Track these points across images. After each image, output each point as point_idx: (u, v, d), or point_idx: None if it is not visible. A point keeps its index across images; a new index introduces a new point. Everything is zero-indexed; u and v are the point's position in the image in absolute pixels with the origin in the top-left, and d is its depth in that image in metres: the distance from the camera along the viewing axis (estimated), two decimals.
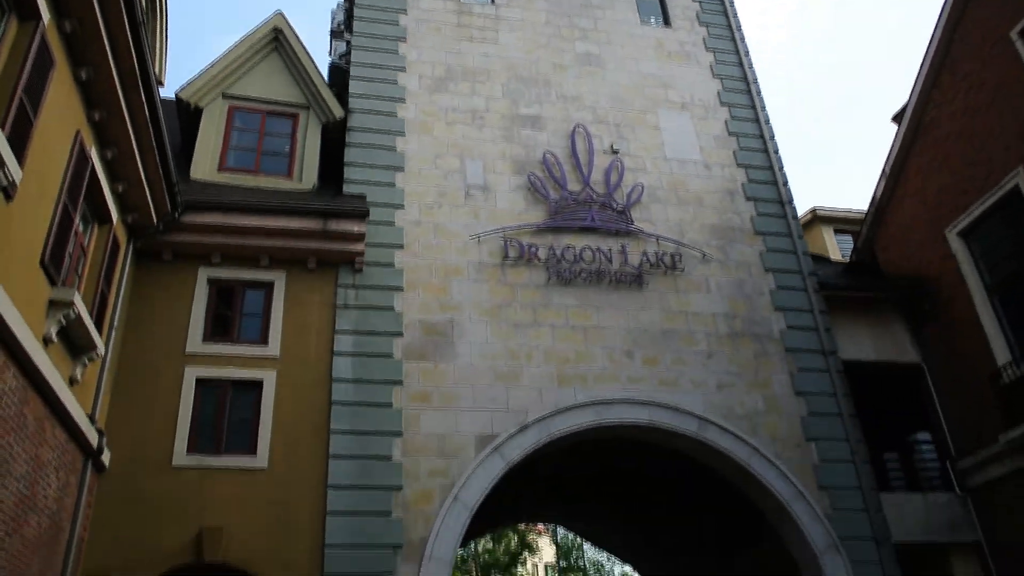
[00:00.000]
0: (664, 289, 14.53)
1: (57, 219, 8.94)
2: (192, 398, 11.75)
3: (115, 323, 11.20)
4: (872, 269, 17.43)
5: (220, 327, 12.52)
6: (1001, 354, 14.51)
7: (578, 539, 52.99)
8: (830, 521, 13.18)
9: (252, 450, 11.63)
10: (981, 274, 15.14)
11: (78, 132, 9.44)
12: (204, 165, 13.82)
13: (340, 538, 11.12)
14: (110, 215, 10.85)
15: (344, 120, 14.69)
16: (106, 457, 10.80)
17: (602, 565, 58.43)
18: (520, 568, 53.94)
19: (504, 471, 12.19)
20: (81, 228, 10.20)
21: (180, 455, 11.36)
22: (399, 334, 12.82)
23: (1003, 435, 14.03)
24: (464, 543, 21.17)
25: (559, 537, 56.83)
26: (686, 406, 13.36)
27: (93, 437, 10.27)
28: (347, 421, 11.88)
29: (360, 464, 11.61)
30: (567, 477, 18.21)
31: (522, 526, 51.98)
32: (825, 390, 14.35)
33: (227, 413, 11.88)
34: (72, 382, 9.87)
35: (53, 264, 8.90)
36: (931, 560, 14.65)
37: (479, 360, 12.93)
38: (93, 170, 9.96)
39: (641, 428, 13.23)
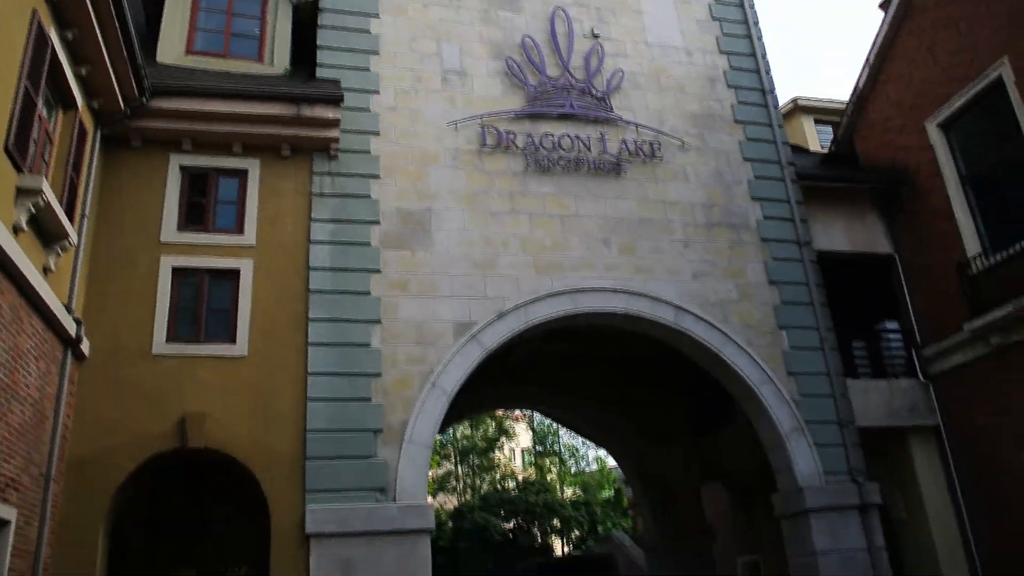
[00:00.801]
0: (642, 178, 14.48)
1: (19, 103, 8.66)
2: (169, 287, 11.73)
3: (86, 212, 11.03)
4: (850, 160, 17.42)
5: (194, 216, 12.37)
6: (971, 245, 14.74)
7: (554, 425, 54.56)
8: (797, 405, 13.62)
9: (232, 338, 11.71)
10: (958, 166, 15.19)
11: (35, 12, 9.04)
12: (171, 48, 13.35)
13: (321, 423, 11.37)
14: (75, 100, 10.52)
15: (315, 0, 14.15)
16: (85, 346, 10.83)
17: (576, 449, 60.43)
18: (497, 453, 55.69)
19: (482, 358, 12.40)
20: (45, 113, 9.90)
21: (160, 344, 11.43)
22: (376, 222, 12.75)
23: (967, 324, 14.40)
24: (443, 429, 21.69)
25: (535, 423, 58.49)
26: (661, 294, 13.54)
27: (71, 326, 10.27)
28: (325, 309, 11.95)
29: (339, 351, 11.75)
30: (544, 364, 18.57)
31: (500, 412, 53.38)
32: (798, 279, 14.57)
33: (205, 302, 11.90)
34: (46, 271, 9.79)
35: (18, 149, 8.67)
36: (891, 443, 15.27)
37: (456, 248, 12.95)
38: (54, 52, 9.58)
39: (617, 316, 13.43)
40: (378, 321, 12.07)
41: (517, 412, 55.56)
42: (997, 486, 14.11)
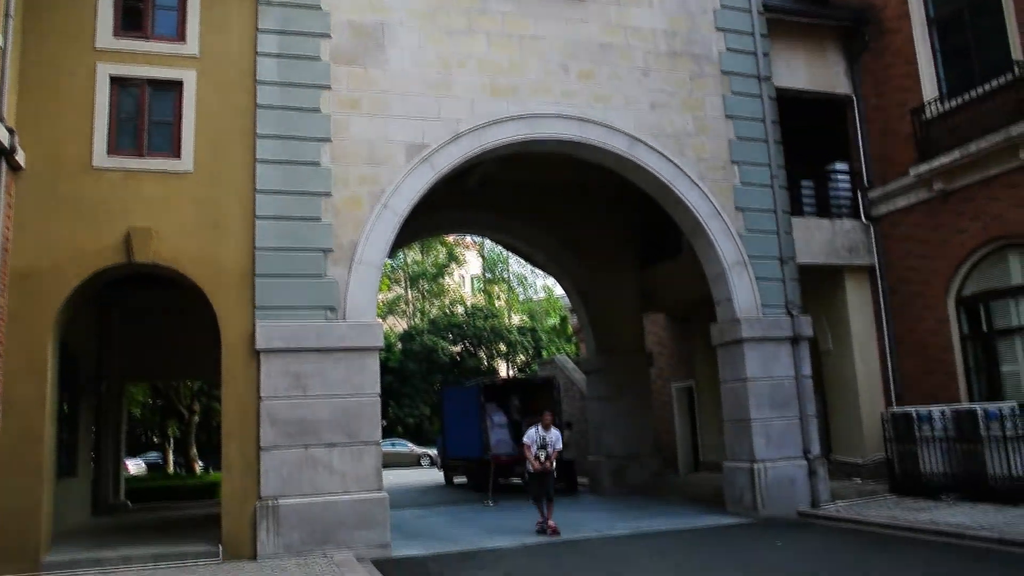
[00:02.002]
0: (606, 1, 13.94)
1: None
2: (108, 97, 11.20)
3: (10, 11, 10.28)
4: None
5: (131, 21, 11.63)
6: (929, 89, 14.74)
7: (504, 253, 55.23)
8: (742, 240, 13.93)
9: (176, 153, 11.39)
10: (926, 8, 14.91)
11: None
12: None
13: (270, 242, 11.32)
14: None
15: None
16: (21, 157, 10.41)
17: (525, 278, 61.58)
18: (447, 279, 56.51)
19: (434, 181, 12.30)
20: None
21: (101, 156, 11.06)
22: (326, 35, 12.17)
23: (914, 168, 14.65)
24: (393, 251, 21.82)
25: (486, 251, 59.09)
26: (617, 123, 13.40)
27: (3, 135, 9.82)
28: (274, 126, 11.60)
29: (288, 169, 11.53)
30: (497, 190, 18.54)
31: (451, 239, 53.71)
32: (755, 115, 14.51)
33: (147, 114, 11.44)
34: None
35: None
36: (828, 280, 15.86)
37: (411, 67, 12.51)
38: None
39: (572, 143, 13.31)
40: (328, 139, 11.79)
41: (468, 239, 55.98)
42: (919, 325, 14.88)
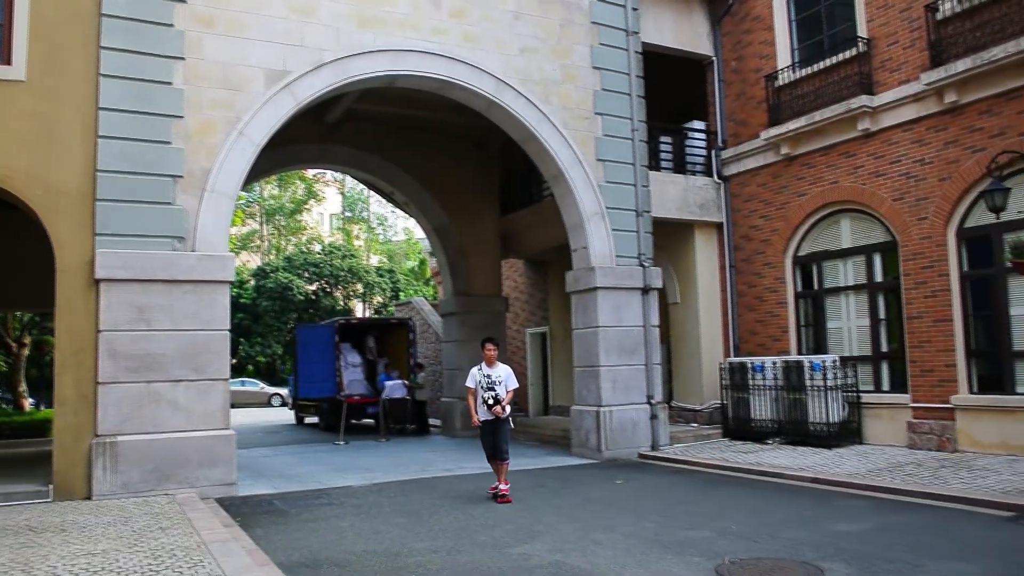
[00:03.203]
0: None
1: None
2: None
3: None
4: None
5: None
6: (783, 57, 15.44)
7: (364, 192, 54.21)
8: (601, 190, 14.25)
9: (6, 59, 10.37)
10: None
11: None
12: None
13: (114, 164, 10.57)
14: None
15: None
16: None
17: (385, 218, 60.79)
18: (305, 216, 54.94)
19: (295, 110, 11.82)
20: None
21: None
22: None
23: (765, 132, 15.40)
24: (248, 184, 20.94)
25: (346, 188, 57.76)
26: (486, 66, 13.29)
27: None
28: (120, 38, 10.75)
29: (135, 87, 10.74)
30: (361, 125, 18.10)
31: (310, 175, 52.10)
32: (621, 68, 14.74)
33: None
34: None
35: None
36: (679, 234, 16.54)
37: None
38: None
39: (440, 82, 13.10)
40: (181, 58, 11.05)
41: (328, 176, 54.47)
42: (760, 281, 15.82)
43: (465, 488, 11.04)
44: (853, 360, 13.83)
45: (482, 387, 10.00)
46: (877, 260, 13.83)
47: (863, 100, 13.44)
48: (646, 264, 14.54)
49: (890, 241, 13.46)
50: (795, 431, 13.81)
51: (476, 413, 10.13)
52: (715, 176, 16.70)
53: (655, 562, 6.61)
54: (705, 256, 16.52)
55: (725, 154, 16.60)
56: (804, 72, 14.91)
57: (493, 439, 10.02)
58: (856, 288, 14.16)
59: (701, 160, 16.99)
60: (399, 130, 18.60)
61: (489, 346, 10.22)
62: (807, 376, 13.62)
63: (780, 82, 15.35)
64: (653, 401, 14.22)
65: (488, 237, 19.92)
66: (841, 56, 14.14)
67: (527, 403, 22.48)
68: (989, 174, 9.92)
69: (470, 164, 19.73)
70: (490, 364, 10.14)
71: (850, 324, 14.26)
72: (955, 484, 9.58)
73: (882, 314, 13.72)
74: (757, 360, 14.68)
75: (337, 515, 9.19)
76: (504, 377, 10.08)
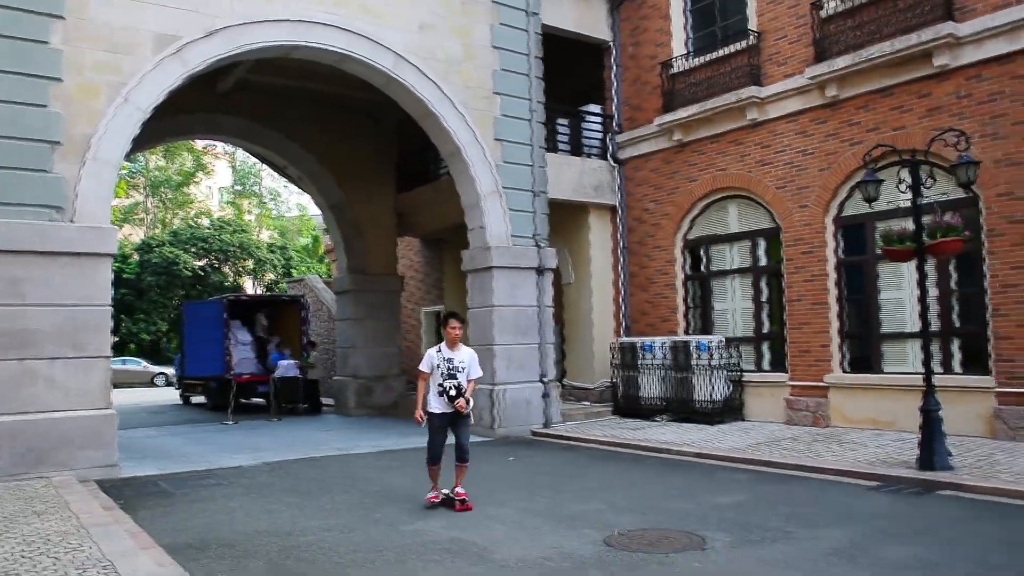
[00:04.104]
0: None
1: None
2: None
3: None
4: None
5: None
6: (678, 45, 15.84)
7: (257, 165, 52.63)
8: (498, 170, 14.32)
9: None
10: None
11: None
12: None
13: None
14: None
15: None
16: None
17: (278, 193, 59.21)
18: (193, 188, 52.93)
19: (185, 78, 11.35)
20: None
21: None
22: None
23: (659, 118, 15.79)
24: (133, 154, 20.03)
25: (237, 162, 55.95)
26: (386, 40, 13.10)
27: None
28: None
29: (7, 44, 10.08)
30: (254, 96, 17.58)
31: (199, 146, 50.17)
32: (521, 49, 14.80)
33: None
34: None
35: None
36: (574, 216, 16.80)
37: None
38: None
39: (338, 55, 12.84)
40: (60, 16, 10.40)
41: (218, 147, 52.64)
42: (651, 263, 16.27)
43: (359, 467, 10.98)
44: (737, 341, 14.42)
45: (441, 373, 7.94)
46: (761, 245, 14.44)
47: (752, 91, 13.96)
48: (542, 245, 14.71)
49: (774, 227, 14.07)
50: (682, 408, 14.33)
51: (426, 405, 8.07)
52: (610, 159, 17.03)
53: (548, 535, 6.77)
54: (599, 238, 16.85)
55: (620, 138, 16.94)
56: (698, 61, 15.35)
57: (453, 436, 8.02)
58: (741, 272, 14.75)
59: (597, 143, 17.29)
60: (295, 103, 18.15)
61: (453, 323, 8.07)
62: (694, 356, 14.13)
63: (675, 70, 15.75)
64: (546, 380, 14.46)
65: (384, 214, 19.73)
66: (733, 47, 14.62)
67: None
68: (864, 166, 10.47)
69: (367, 140, 19.46)
70: (452, 346, 8.08)
71: (735, 306, 14.85)
72: (827, 457, 10.17)
73: (765, 297, 14.35)
74: (647, 340, 15.12)
75: (226, 495, 8.99)
76: (468, 363, 8.10)
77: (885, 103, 12.37)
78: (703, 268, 15.52)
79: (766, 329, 14.32)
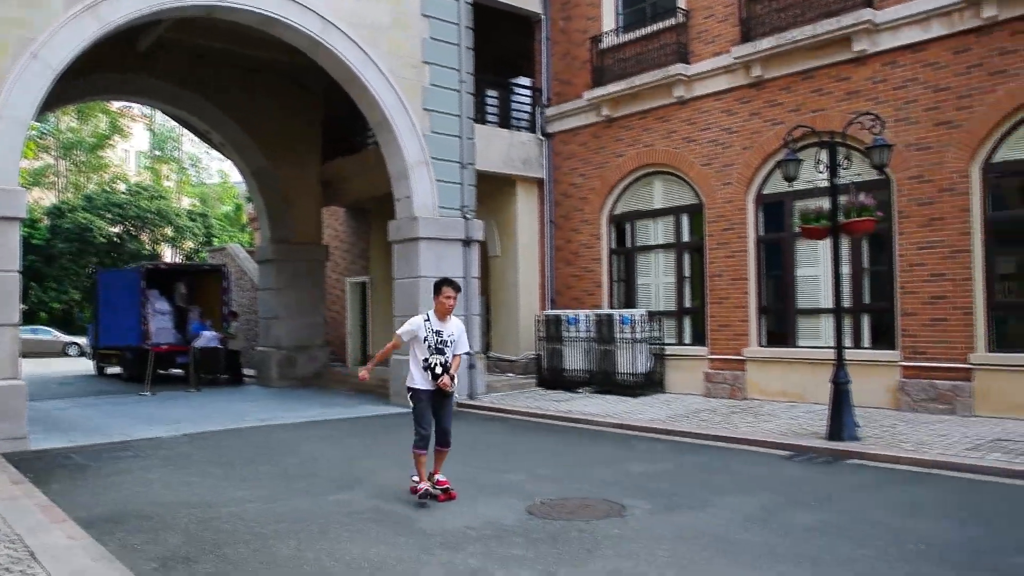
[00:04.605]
0: None
1: None
2: None
3: None
4: None
5: None
6: (608, 20, 15.90)
7: (177, 130, 50.97)
8: (426, 140, 14.20)
9: None
10: None
11: None
12: None
13: None
14: None
15: None
16: None
17: (199, 159, 57.54)
18: (108, 152, 50.95)
19: (100, 35, 10.87)
20: None
21: None
22: None
23: (587, 93, 15.87)
24: (43, 114, 19.15)
25: (156, 125, 54.08)
26: (312, 4, 12.78)
27: None
28: None
29: None
30: (175, 57, 16.98)
31: (115, 107, 48.26)
32: (451, 18, 14.64)
33: None
34: None
35: None
36: (502, 188, 16.81)
37: None
38: None
39: (261, 17, 12.46)
40: None
41: (136, 110, 50.78)
42: (577, 237, 16.42)
43: (282, 438, 10.86)
44: (660, 315, 14.71)
45: (428, 347, 7.03)
46: (685, 221, 14.71)
47: (679, 68, 14.13)
48: (469, 216, 14.69)
49: (697, 204, 14.34)
50: (605, 381, 14.57)
51: (412, 379, 7.14)
52: (539, 133, 17.06)
53: (472, 505, 6.83)
54: (526, 211, 16.91)
55: (549, 112, 16.97)
56: (627, 37, 15.45)
57: (438, 415, 7.22)
58: (665, 247, 15.02)
59: (526, 116, 17.28)
60: (218, 65, 17.60)
61: (448, 291, 7.13)
62: (617, 329, 14.36)
63: (604, 45, 15.82)
64: (471, 351, 14.43)
65: (309, 183, 19.38)
66: (662, 24, 14.76)
67: (345, 352, 22.27)
68: (785, 146, 10.76)
69: (293, 107, 19.02)
70: (443, 317, 7.15)
71: (658, 281, 15.13)
72: (743, 428, 10.50)
73: (687, 272, 14.65)
74: (571, 313, 15.30)
75: (143, 468, 8.79)
76: (457, 336, 7.21)
77: (806, 85, 12.69)
78: (628, 243, 15.74)
79: (688, 304, 14.64)
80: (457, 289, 7.24)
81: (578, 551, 5.44)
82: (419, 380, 7.09)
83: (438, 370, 7.01)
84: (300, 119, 19.17)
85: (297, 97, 19.05)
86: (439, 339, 7.05)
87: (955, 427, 9.95)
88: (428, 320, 7.13)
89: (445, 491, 7.11)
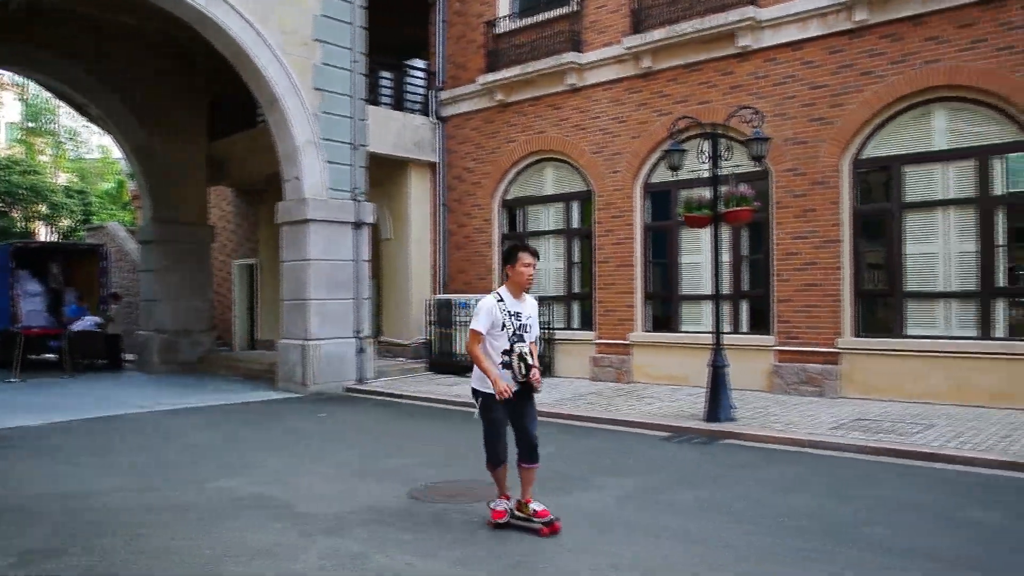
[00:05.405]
0: None
1: None
2: None
3: None
4: None
5: None
6: (504, 5, 15.93)
7: (53, 101, 48.17)
8: (317, 120, 13.91)
9: None
10: None
11: None
12: None
13: None
14: None
15: None
16: None
17: (77, 133, 54.58)
18: None
19: None
20: None
21: None
22: None
23: (481, 77, 15.88)
24: None
25: (29, 96, 50.99)
26: None
27: None
28: None
29: None
30: (51, 22, 16.01)
31: None
32: None
33: None
34: None
35: None
36: (395, 171, 16.67)
37: None
38: None
39: None
40: None
41: (6, 78, 47.76)
42: (469, 222, 16.45)
43: (162, 425, 10.51)
44: (550, 300, 14.92)
45: (510, 333, 5.50)
46: (575, 208, 14.95)
47: (572, 57, 14.31)
48: (360, 199, 14.50)
49: (587, 191, 14.59)
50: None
51: (484, 381, 5.59)
52: (433, 116, 16.96)
53: (355, 490, 6.80)
54: (419, 194, 16.83)
55: (444, 95, 16.90)
56: (523, 23, 15.52)
57: (518, 422, 5.68)
58: (556, 233, 15.23)
59: (421, 99, 17.16)
60: (97, 35, 16.71)
61: (526, 258, 5.59)
62: None
63: (499, 30, 15.85)
64: (361, 335, 14.36)
65: (195, 161, 18.70)
66: (556, 12, 14.89)
67: (232, 337, 21.68)
68: (671, 136, 11.06)
69: (177, 80, 18.27)
70: (519, 293, 5.64)
71: (549, 266, 15.33)
72: (626, 411, 10.81)
73: (577, 258, 14.91)
74: (462, 298, 15.33)
75: (9, 459, 8.35)
76: (535, 318, 5.75)
77: (694, 77, 13.07)
78: (520, 228, 15.88)
79: (577, 289, 14.90)
80: (536, 256, 5.73)
81: (459, 533, 5.51)
82: (500, 390, 5.39)
83: (529, 360, 5.46)
84: (186, 94, 18.45)
85: (183, 70, 18.32)
86: (518, 323, 5.53)
87: (823, 408, 10.52)
88: (502, 300, 5.56)
89: (548, 524, 5.48)
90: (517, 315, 5.53)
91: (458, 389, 13.19)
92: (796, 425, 9.38)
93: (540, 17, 15.18)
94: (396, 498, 6.48)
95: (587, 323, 14.56)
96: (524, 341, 5.50)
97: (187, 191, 18.57)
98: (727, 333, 11.22)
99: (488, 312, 5.51)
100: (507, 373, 5.46)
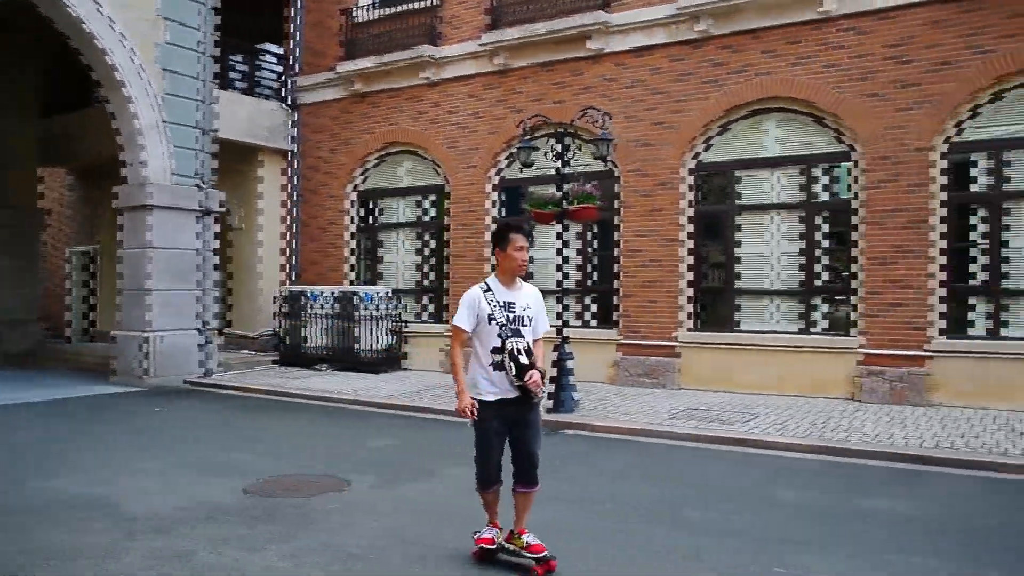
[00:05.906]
0: None
1: None
2: None
3: None
4: None
5: None
6: None
7: None
8: (161, 102, 13.29)
9: None
10: None
11: None
12: None
13: None
14: None
15: None
16: None
17: None
18: None
19: None
20: None
21: None
22: None
23: (338, 66, 15.63)
24: None
25: None
26: None
27: None
28: None
29: None
30: None
31: None
32: None
33: None
34: None
35: None
36: (246, 158, 16.16)
37: None
38: None
39: None
40: None
41: None
42: (323, 213, 16.17)
43: None
44: (403, 292, 14.90)
45: (500, 327, 4.61)
46: (430, 201, 14.98)
47: (429, 50, 14.31)
48: (207, 185, 13.97)
49: (441, 184, 14.65)
50: (345, 358, 14.52)
51: (475, 387, 4.69)
52: (287, 103, 16.55)
53: (190, 486, 6.59)
54: (271, 183, 16.39)
55: (299, 82, 16.52)
56: (381, 13, 15.37)
57: (515, 437, 4.75)
58: (410, 226, 15.21)
59: (275, 85, 16.69)
60: None
61: (518, 240, 4.70)
62: (359, 306, 14.36)
63: (357, 19, 15.64)
64: (205, 327, 13.85)
65: (21, 140, 17.44)
66: (415, 4, 14.84)
67: (67, 328, 20.40)
68: (523, 134, 11.27)
69: (3, 56, 16.95)
70: (511, 281, 4.75)
71: (402, 259, 15.31)
72: None
73: (430, 251, 14.94)
74: (313, 289, 15.08)
75: None
76: (537, 310, 4.81)
77: (547, 77, 13.35)
78: (374, 220, 15.75)
79: (429, 282, 14.94)
80: (529, 237, 4.82)
81: (292, 527, 5.45)
82: (485, 386, 4.65)
83: (522, 359, 4.55)
84: (13, 69, 17.15)
85: (9, 45, 17.03)
86: (511, 315, 4.63)
87: (661, 399, 11.03)
88: (489, 290, 4.68)
89: (542, 561, 4.57)
90: (509, 306, 4.63)
91: (307, 382, 12.98)
92: (635, 415, 9.79)
93: (399, 8, 15.08)
94: (231, 493, 6.33)
95: (439, 315, 14.63)
96: (521, 336, 4.62)
97: (13, 172, 17.30)
98: (575, 327, 11.57)
99: (470, 304, 4.63)
100: (500, 376, 4.58)
